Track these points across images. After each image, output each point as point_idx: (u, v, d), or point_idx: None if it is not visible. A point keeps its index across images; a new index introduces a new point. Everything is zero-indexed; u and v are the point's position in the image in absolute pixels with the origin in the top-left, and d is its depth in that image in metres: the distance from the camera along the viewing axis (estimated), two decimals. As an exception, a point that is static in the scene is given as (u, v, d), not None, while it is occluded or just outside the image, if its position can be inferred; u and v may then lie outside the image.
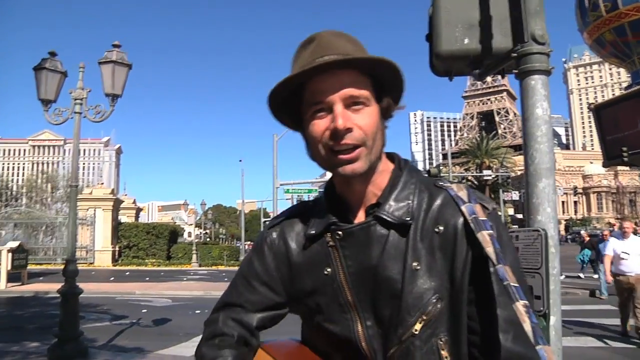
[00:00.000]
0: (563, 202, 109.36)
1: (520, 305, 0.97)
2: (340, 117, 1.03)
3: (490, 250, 1.00)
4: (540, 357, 0.93)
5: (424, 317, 1.03)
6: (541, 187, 1.94)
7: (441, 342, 1.03)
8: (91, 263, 30.16)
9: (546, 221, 1.92)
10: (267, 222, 1.35)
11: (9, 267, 17.48)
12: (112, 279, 21.10)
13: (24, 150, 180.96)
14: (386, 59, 1.05)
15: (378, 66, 1.07)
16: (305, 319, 1.22)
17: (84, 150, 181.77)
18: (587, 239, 19.21)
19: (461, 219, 1.08)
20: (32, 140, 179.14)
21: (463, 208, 1.08)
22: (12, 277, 17.76)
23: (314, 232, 1.15)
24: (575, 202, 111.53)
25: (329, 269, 1.12)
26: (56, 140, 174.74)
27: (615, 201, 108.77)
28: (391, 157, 1.20)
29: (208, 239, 67.85)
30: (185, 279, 23.26)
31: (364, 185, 1.13)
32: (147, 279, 21.92)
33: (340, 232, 1.11)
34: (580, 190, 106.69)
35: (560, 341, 1.92)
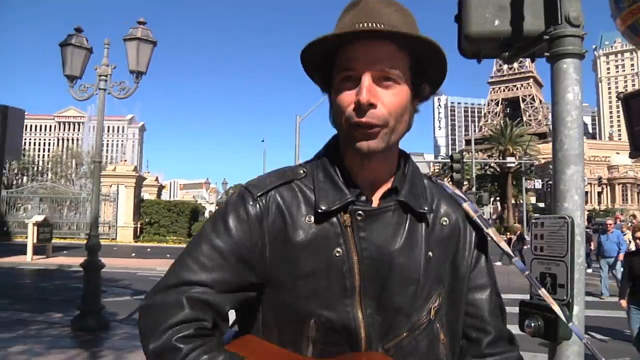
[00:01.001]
0: (587, 193, 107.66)
1: (544, 292, 1.10)
2: (366, 91, 0.97)
3: (503, 244, 1.10)
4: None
5: (435, 304, 1.06)
6: (569, 174, 1.89)
7: (438, 327, 1.08)
8: (113, 239, 30.69)
9: (573, 209, 1.87)
10: (249, 185, 1.10)
11: (35, 240, 17.88)
12: (133, 254, 21.44)
13: (50, 126, 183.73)
14: (433, 41, 0.99)
15: (421, 46, 1.01)
16: (281, 306, 1.04)
17: (108, 127, 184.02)
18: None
19: (462, 215, 1.14)
20: (58, 116, 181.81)
21: (465, 205, 1.13)
22: (38, 250, 18.20)
23: (325, 207, 1.02)
24: (599, 193, 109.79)
25: (340, 250, 1.01)
26: (81, 117, 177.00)
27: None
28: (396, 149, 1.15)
29: (228, 219, 68.41)
30: (204, 256, 23.55)
31: (379, 165, 1.07)
32: (168, 255, 22.20)
33: (362, 213, 1.03)
34: (604, 181, 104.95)
35: (583, 329, 1.89)
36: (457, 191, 1.15)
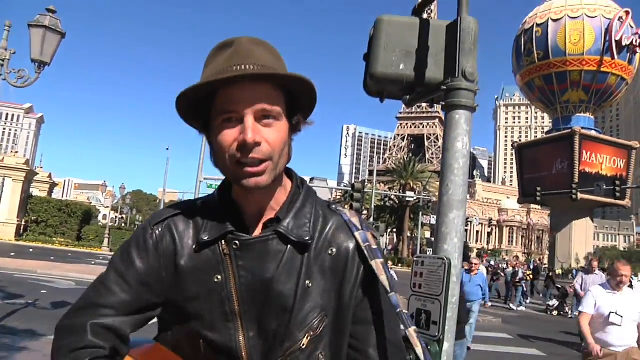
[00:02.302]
0: (478, 232, 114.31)
1: (412, 331, 1.06)
2: (251, 131, 1.00)
3: (383, 278, 1.07)
4: None
5: (311, 333, 1.07)
6: (451, 218, 2.01)
7: (322, 356, 1.09)
8: (-9, 235, 28.33)
9: (452, 251, 1.99)
10: (149, 217, 1.21)
11: None
12: (12, 254, 19.92)
13: None
14: (305, 78, 1.04)
15: (296, 84, 1.07)
16: (177, 323, 1.11)
17: (0, 113, 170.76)
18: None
19: (353, 244, 1.13)
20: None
21: (357, 235, 1.13)
22: None
23: (207, 238, 1.09)
24: (488, 233, 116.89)
25: (219, 277, 1.07)
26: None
27: (525, 237, 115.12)
28: (289, 173, 1.19)
29: (123, 224, 65.54)
30: (93, 262, 22.29)
31: (264, 197, 1.11)
32: (52, 258, 20.86)
33: (237, 242, 1.08)
34: (495, 223, 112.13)
35: (450, 367, 1.99)
36: (354, 219, 1.16)
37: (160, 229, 1.13)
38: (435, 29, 2.52)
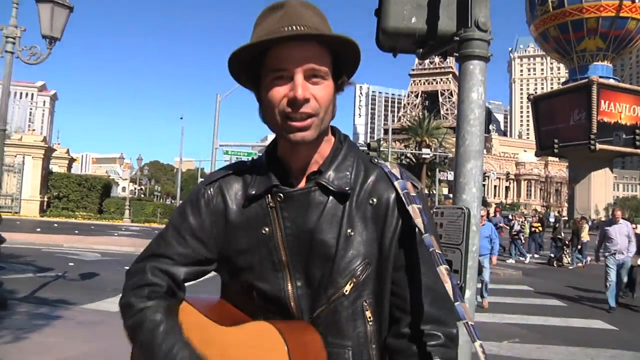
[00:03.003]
0: (496, 187, 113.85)
1: (443, 269, 1.09)
2: (301, 87, 1.06)
3: (419, 220, 1.11)
4: (457, 311, 1.06)
5: (354, 280, 1.11)
6: (469, 168, 2.03)
7: (366, 304, 1.13)
8: (17, 212, 28.87)
9: (470, 200, 2.02)
10: (206, 177, 1.33)
11: None
12: (38, 230, 20.33)
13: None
14: (352, 39, 1.09)
15: (342, 45, 1.11)
16: (232, 277, 1.22)
17: (15, 92, 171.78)
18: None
19: (393, 195, 1.16)
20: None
21: (396, 183, 1.16)
22: None
23: (254, 192, 1.17)
24: (506, 188, 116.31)
25: (267, 229, 1.15)
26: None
27: (543, 189, 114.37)
28: (332, 129, 1.23)
29: (142, 196, 66.40)
30: (116, 234, 22.77)
31: (309, 152, 1.17)
32: (77, 232, 21.28)
33: (281, 195, 1.15)
34: (512, 176, 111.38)
35: (473, 313, 2.05)
36: (395, 170, 1.20)
37: (212, 189, 1.24)
38: (447, -22, 2.49)
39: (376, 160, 1.23)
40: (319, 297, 1.12)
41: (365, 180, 1.18)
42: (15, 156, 29.24)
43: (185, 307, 1.21)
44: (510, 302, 10.23)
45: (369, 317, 1.13)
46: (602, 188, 74.67)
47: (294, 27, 1.06)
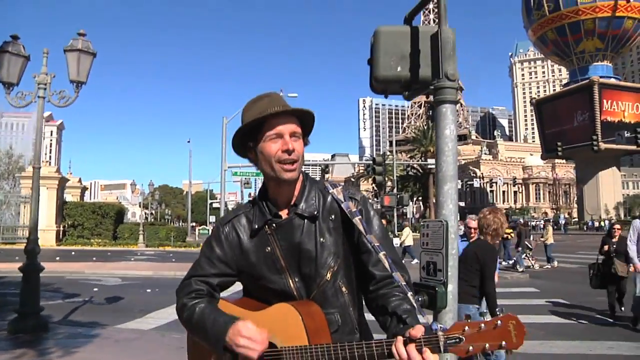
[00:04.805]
0: (504, 192, 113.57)
1: (381, 255, 1.66)
2: (290, 143, 1.67)
3: (360, 228, 1.71)
4: (395, 279, 1.64)
5: (331, 270, 1.71)
6: (446, 189, 2.60)
7: (341, 283, 1.73)
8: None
9: (448, 214, 2.58)
10: (220, 218, 1.92)
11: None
12: (57, 258, 20.88)
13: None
14: (311, 111, 1.74)
15: (306, 115, 1.74)
16: (250, 283, 1.79)
17: (22, 125, 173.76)
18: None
19: (340, 209, 1.76)
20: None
21: (342, 205, 1.77)
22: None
23: (257, 226, 1.74)
24: (515, 192, 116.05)
25: (269, 248, 1.72)
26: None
27: (552, 192, 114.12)
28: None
29: (154, 220, 67.16)
30: (132, 259, 23.32)
31: (289, 189, 1.74)
32: (94, 258, 21.84)
33: (274, 224, 1.73)
34: (519, 181, 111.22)
35: (455, 303, 2.60)
36: (339, 195, 1.77)
37: (228, 227, 1.81)
38: (424, 34, 3.07)
39: (327, 187, 1.83)
40: (311, 285, 1.70)
41: (324, 203, 1.76)
42: (31, 188, 29.98)
43: (222, 303, 1.79)
44: (516, 304, 10.68)
45: (345, 291, 1.72)
46: (610, 187, 74.62)
47: (280, 107, 1.67)
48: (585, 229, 65.50)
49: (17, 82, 7.48)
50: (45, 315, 7.81)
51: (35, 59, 7.58)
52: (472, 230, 6.11)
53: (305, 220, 1.73)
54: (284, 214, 1.76)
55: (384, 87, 3.20)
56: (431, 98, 3.10)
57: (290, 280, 1.71)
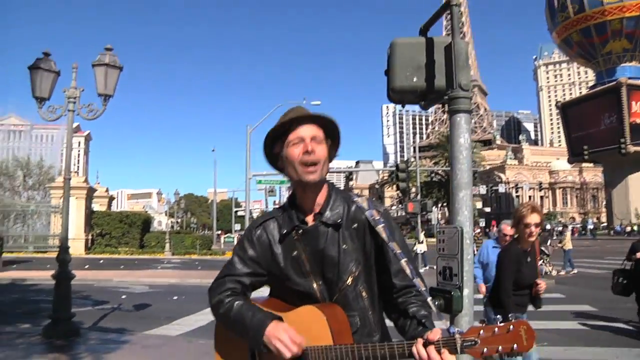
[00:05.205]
0: (530, 197, 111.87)
1: (403, 262, 1.78)
2: (310, 144, 1.80)
3: (384, 235, 1.81)
4: (416, 284, 1.75)
5: (352, 276, 1.82)
6: (461, 196, 2.68)
7: (362, 288, 1.84)
8: (64, 251, 30.16)
9: (464, 221, 2.66)
10: (253, 221, 2.06)
11: (-15, 255, 17.77)
12: (86, 266, 21.34)
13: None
14: (332, 118, 1.88)
15: (327, 122, 1.87)
16: (277, 284, 1.91)
17: (52, 136, 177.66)
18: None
19: (364, 218, 1.88)
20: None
21: (366, 213, 1.89)
22: (-13, 264, 18.09)
23: (285, 231, 1.87)
24: (541, 197, 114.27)
25: (295, 252, 1.84)
26: (22, 125, 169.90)
27: (579, 196, 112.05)
28: (326, 183, 1.94)
29: (179, 228, 67.98)
30: (159, 267, 23.68)
31: (314, 195, 1.87)
32: (122, 266, 22.26)
33: (301, 230, 1.86)
34: (546, 186, 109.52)
35: (472, 307, 2.67)
36: (364, 203, 1.89)
37: (259, 230, 1.95)
38: (439, 45, 3.16)
39: (352, 197, 1.95)
40: (334, 289, 1.81)
41: (348, 212, 1.89)
42: (61, 198, 30.70)
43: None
44: (541, 310, 10.56)
45: (365, 296, 1.83)
46: (640, 191, 72.92)
47: (305, 114, 1.84)
48: (611, 233, 64.12)
49: (49, 97, 7.77)
50: (76, 322, 8.05)
51: (64, 73, 7.86)
52: (507, 238, 5.80)
53: (330, 228, 1.84)
54: (310, 220, 1.88)
55: (401, 97, 3.29)
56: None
57: (315, 284, 1.82)
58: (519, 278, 4.36)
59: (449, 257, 2.63)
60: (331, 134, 1.90)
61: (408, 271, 1.75)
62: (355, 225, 1.87)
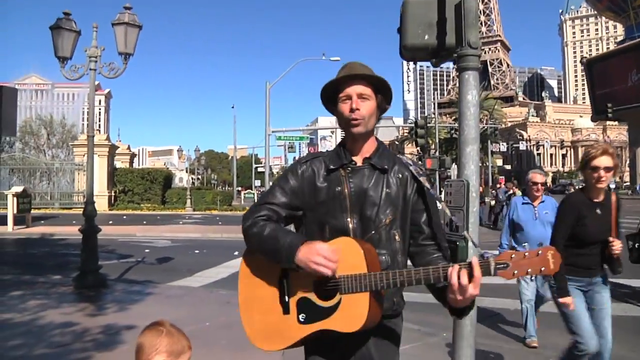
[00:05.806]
0: (552, 155, 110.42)
1: (443, 204, 2.00)
2: (354, 102, 1.94)
3: (427, 184, 2.00)
4: (441, 240, 2.02)
5: (390, 217, 1.96)
6: (468, 151, 2.79)
7: (395, 232, 1.97)
8: (88, 207, 30.94)
9: (470, 174, 2.77)
10: (299, 158, 2.16)
11: (15, 211, 18.38)
12: (110, 222, 21.88)
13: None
14: (381, 77, 1.99)
15: (377, 80, 1.97)
16: (313, 218, 1.98)
17: (73, 94, 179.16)
18: None
19: (409, 172, 2.04)
20: (19, 83, 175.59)
21: (411, 168, 2.05)
22: (17, 220, 18.73)
23: (332, 166, 1.99)
24: (563, 156, 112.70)
25: (339, 188, 1.95)
26: (44, 84, 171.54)
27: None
28: (376, 139, 2.09)
29: (200, 184, 68.91)
30: (181, 222, 24.28)
31: (363, 143, 2.01)
32: (145, 222, 22.79)
33: (350, 168, 1.98)
34: (568, 144, 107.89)
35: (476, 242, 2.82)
36: (409, 161, 2.06)
37: (305, 165, 2.05)
38: (450, 3, 3.20)
39: (398, 155, 2.11)
40: (369, 227, 1.93)
41: (394, 165, 2.03)
42: (84, 155, 31.29)
43: None
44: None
45: (398, 239, 1.96)
46: (665, 150, 71.43)
47: (351, 74, 1.96)
48: (630, 193, 63.26)
49: (70, 56, 7.91)
50: (103, 273, 8.42)
51: (85, 33, 7.99)
52: (539, 187, 5.39)
53: (377, 171, 1.97)
54: (359, 161, 2.00)
55: (413, 54, 3.36)
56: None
57: (350, 220, 1.92)
58: (581, 232, 3.54)
59: (456, 209, 2.75)
60: (382, 89, 2.00)
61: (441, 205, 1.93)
62: (400, 175, 2.00)
